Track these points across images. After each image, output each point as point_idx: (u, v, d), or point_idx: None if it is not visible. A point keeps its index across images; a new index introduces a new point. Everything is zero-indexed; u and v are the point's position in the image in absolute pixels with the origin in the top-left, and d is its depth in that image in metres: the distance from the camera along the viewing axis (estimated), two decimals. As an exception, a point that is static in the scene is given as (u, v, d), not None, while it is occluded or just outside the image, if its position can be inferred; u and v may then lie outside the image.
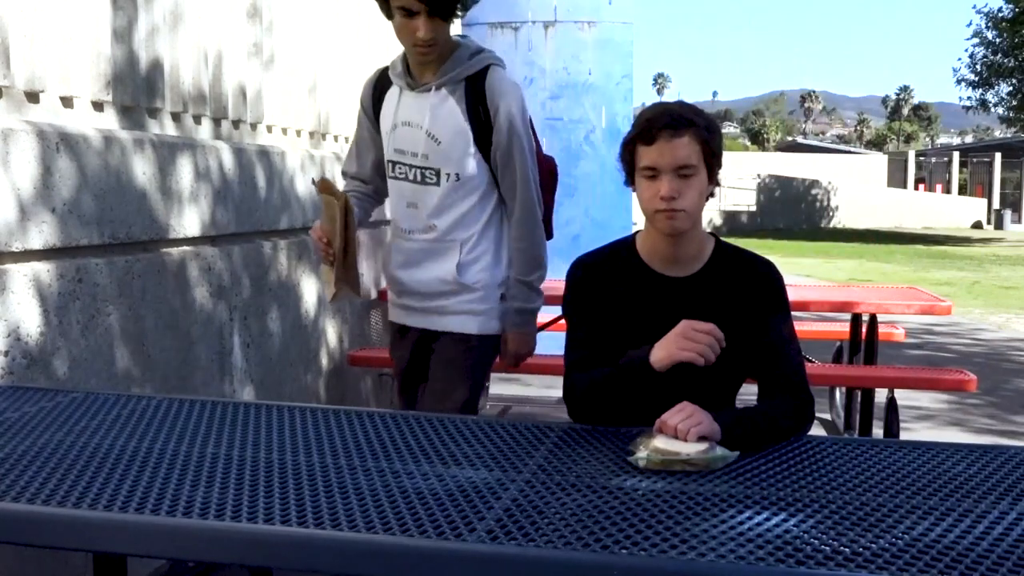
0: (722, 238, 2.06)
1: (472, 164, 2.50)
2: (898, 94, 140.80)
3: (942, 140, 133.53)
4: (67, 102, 2.86)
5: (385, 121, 2.57)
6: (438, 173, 2.50)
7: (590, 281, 2.00)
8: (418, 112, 2.48)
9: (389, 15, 2.39)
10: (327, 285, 2.54)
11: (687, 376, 1.81)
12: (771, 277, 1.98)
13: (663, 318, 1.89)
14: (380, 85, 2.60)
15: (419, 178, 2.52)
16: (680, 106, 1.90)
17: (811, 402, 1.91)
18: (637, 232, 2.07)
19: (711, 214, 26.81)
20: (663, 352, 1.79)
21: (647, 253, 2.00)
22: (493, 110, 2.45)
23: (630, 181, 1.95)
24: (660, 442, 1.63)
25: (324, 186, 2.45)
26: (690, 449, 1.61)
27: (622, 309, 1.96)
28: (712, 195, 1.97)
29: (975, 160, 48.94)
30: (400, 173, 2.55)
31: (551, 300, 4.90)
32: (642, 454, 1.62)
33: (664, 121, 1.84)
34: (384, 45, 5.04)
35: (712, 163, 1.89)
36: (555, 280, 5.39)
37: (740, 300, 1.95)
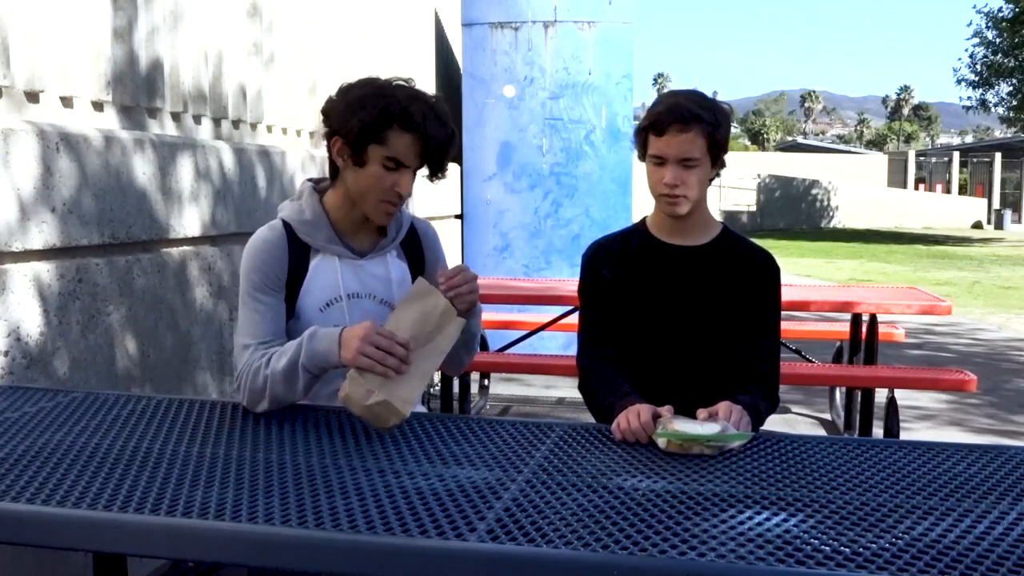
0: None
1: None
2: (898, 94, 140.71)
3: (942, 140, 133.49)
4: (67, 102, 2.86)
5: (309, 297, 2.05)
6: None
7: (604, 257, 2.17)
8: (367, 283, 2.07)
9: (360, 162, 1.93)
10: (372, 404, 1.79)
11: (694, 353, 2.11)
12: (770, 268, 2.15)
13: (672, 284, 2.12)
14: (295, 251, 2.04)
15: None
16: (691, 99, 2.03)
17: (777, 385, 2.13)
18: (647, 215, 2.26)
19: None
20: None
21: (656, 227, 2.18)
22: (433, 260, 2.18)
23: (642, 159, 2.14)
24: (679, 424, 1.74)
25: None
26: (708, 430, 1.72)
27: (635, 277, 2.14)
28: (717, 176, 2.13)
29: (975, 160, 48.93)
30: None
31: (553, 299, 4.95)
32: (662, 436, 1.72)
33: (674, 116, 2.00)
34: (382, 44, 5.05)
35: (716, 153, 2.05)
36: (558, 279, 5.43)
37: (738, 281, 2.12)
